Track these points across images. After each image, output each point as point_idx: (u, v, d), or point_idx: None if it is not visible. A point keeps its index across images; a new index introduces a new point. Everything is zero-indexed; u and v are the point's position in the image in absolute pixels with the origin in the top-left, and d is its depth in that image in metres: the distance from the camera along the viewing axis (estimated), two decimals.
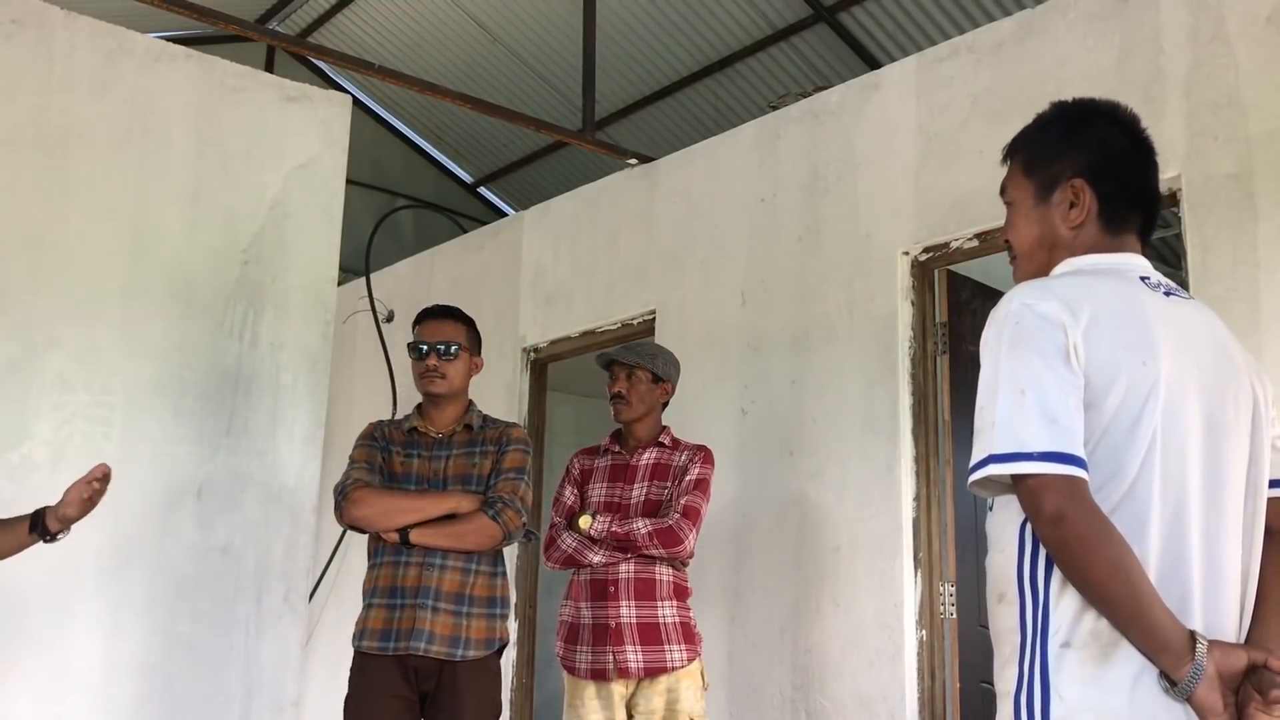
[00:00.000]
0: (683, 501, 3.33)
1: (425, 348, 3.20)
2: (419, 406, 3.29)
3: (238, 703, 3.58)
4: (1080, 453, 1.42)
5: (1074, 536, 1.39)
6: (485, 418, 3.27)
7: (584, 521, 3.33)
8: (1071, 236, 1.64)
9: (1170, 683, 1.38)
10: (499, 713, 3.11)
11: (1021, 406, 1.43)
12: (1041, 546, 1.45)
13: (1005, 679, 1.49)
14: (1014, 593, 1.48)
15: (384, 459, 3.17)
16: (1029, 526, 1.46)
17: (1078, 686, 1.40)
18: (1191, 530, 1.47)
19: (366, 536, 3.17)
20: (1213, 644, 1.39)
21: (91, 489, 2.54)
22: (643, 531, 3.27)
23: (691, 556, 3.36)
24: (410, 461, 3.16)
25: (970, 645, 3.74)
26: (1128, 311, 1.52)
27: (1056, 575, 1.44)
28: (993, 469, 1.44)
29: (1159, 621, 1.38)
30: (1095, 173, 1.63)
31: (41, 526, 2.56)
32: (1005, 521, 1.52)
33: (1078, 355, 1.46)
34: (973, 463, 1.48)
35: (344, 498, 3.07)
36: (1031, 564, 1.47)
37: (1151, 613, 1.38)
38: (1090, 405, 1.45)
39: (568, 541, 3.37)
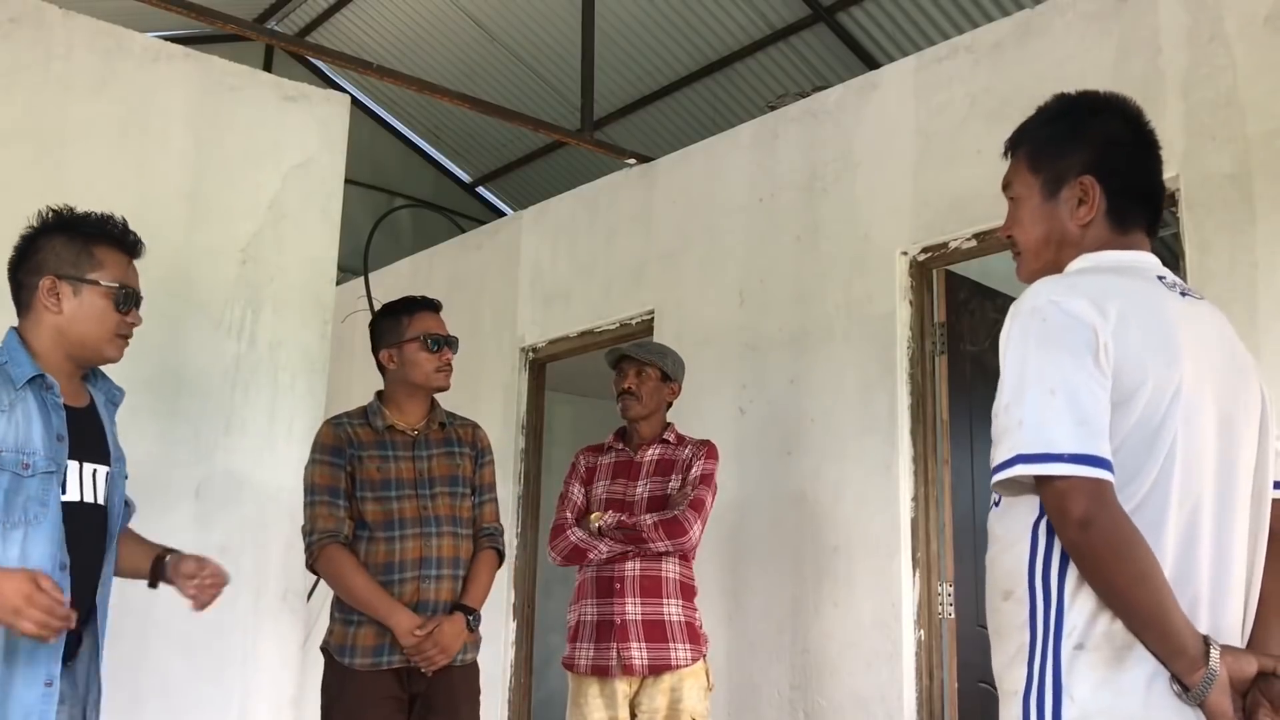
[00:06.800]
0: (689, 493, 3.33)
1: (444, 341, 3.07)
2: (381, 396, 3.09)
3: (236, 702, 3.58)
4: (1108, 455, 1.40)
5: (1101, 542, 1.37)
6: (448, 414, 3.15)
7: (594, 518, 3.34)
8: (1080, 234, 1.62)
9: (1183, 687, 1.37)
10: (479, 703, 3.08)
11: (1051, 406, 1.40)
12: (1056, 545, 1.43)
13: (1012, 678, 1.47)
14: (1024, 591, 1.46)
15: (353, 467, 2.93)
16: (1043, 524, 1.44)
17: (1090, 689, 1.39)
18: (1203, 534, 1.46)
19: None
20: (1225, 649, 1.38)
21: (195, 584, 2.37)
22: (649, 523, 3.27)
23: (695, 547, 3.36)
24: (389, 465, 2.95)
25: (968, 645, 3.74)
26: (1151, 311, 1.50)
27: (1072, 576, 1.42)
28: (1021, 469, 1.41)
29: (1177, 627, 1.37)
30: (1103, 169, 1.61)
31: (158, 570, 2.41)
32: (1015, 518, 1.49)
33: (1107, 355, 1.43)
34: (999, 461, 1.45)
35: (313, 553, 2.88)
36: (1045, 563, 1.44)
37: (1171, 618, 1.37)
38: (1117, 406, 1.43)
39: (576, 533, 3.36)
